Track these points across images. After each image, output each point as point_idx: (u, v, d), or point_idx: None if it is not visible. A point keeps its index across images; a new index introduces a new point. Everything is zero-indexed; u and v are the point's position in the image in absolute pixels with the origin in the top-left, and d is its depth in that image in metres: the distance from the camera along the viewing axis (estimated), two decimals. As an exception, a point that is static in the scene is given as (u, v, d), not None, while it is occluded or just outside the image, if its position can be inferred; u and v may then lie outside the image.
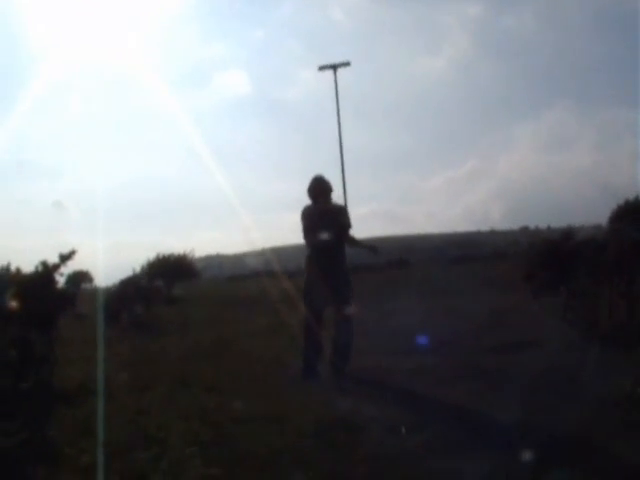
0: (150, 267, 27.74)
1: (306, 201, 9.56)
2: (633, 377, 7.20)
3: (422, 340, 10.89)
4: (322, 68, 9.41)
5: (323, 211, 9.46)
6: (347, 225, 9.54)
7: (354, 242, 9.67)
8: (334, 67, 9.15)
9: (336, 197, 9.86)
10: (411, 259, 56.49)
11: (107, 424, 6.35)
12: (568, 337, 10.36)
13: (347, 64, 9.37)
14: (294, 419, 6.64)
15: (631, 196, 11.83)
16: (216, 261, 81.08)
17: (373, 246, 9.95)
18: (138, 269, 25.92)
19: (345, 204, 9.81)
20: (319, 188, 9.57)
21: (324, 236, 9.23)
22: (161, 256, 28.68)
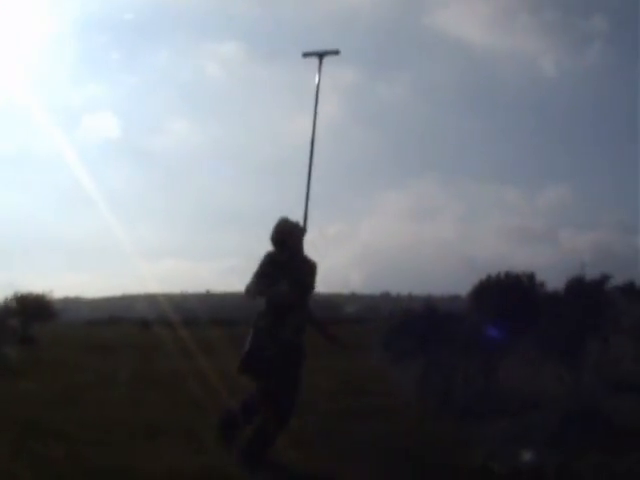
0: (6, 305, 27.00)
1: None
2: (485, 449, 7.35)
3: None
4: (306, 55, 8.97)
5: (295, 263, 7.42)
6: (311, 286, 7.56)
7: (313, 320, 7.56)
8: (320, 55, 8.74)
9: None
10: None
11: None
12: (424, 406, 10.47)
13: (336, 52, 9.05)
14: (144, 470, 6.53)
15: (493, 271, 12.15)
16: (75, 304, 79.23)
17: (339, 340, 7.69)
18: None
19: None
20: (289, 233, 7.52)
21: (284, 289, 7.13)
22: (19, 294, 27.95)
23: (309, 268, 7.50)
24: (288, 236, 7.47)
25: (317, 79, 8.98)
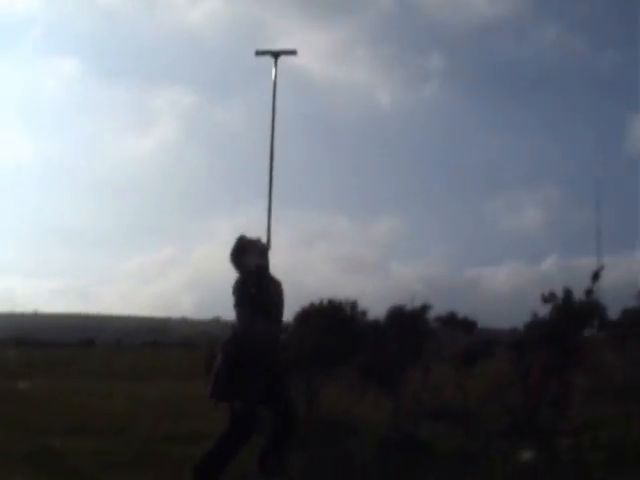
0: None
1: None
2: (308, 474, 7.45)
3: None
4: (259, 53, 8.43)
5: (272, 284, 6.88)
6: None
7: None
8: (275, 54, 8.19)
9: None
10: (98, 340, 55.21)
11: None
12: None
13: (293, 52, 8.57)
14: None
15: (316, 299, 12.19)
16: None
17: None
18: None
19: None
20: (262, 253, 6.87)
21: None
22: None
23: (279, 287, 6.97)
24: (260, 258, 6.83)
25: (273, 75, 8.75)
